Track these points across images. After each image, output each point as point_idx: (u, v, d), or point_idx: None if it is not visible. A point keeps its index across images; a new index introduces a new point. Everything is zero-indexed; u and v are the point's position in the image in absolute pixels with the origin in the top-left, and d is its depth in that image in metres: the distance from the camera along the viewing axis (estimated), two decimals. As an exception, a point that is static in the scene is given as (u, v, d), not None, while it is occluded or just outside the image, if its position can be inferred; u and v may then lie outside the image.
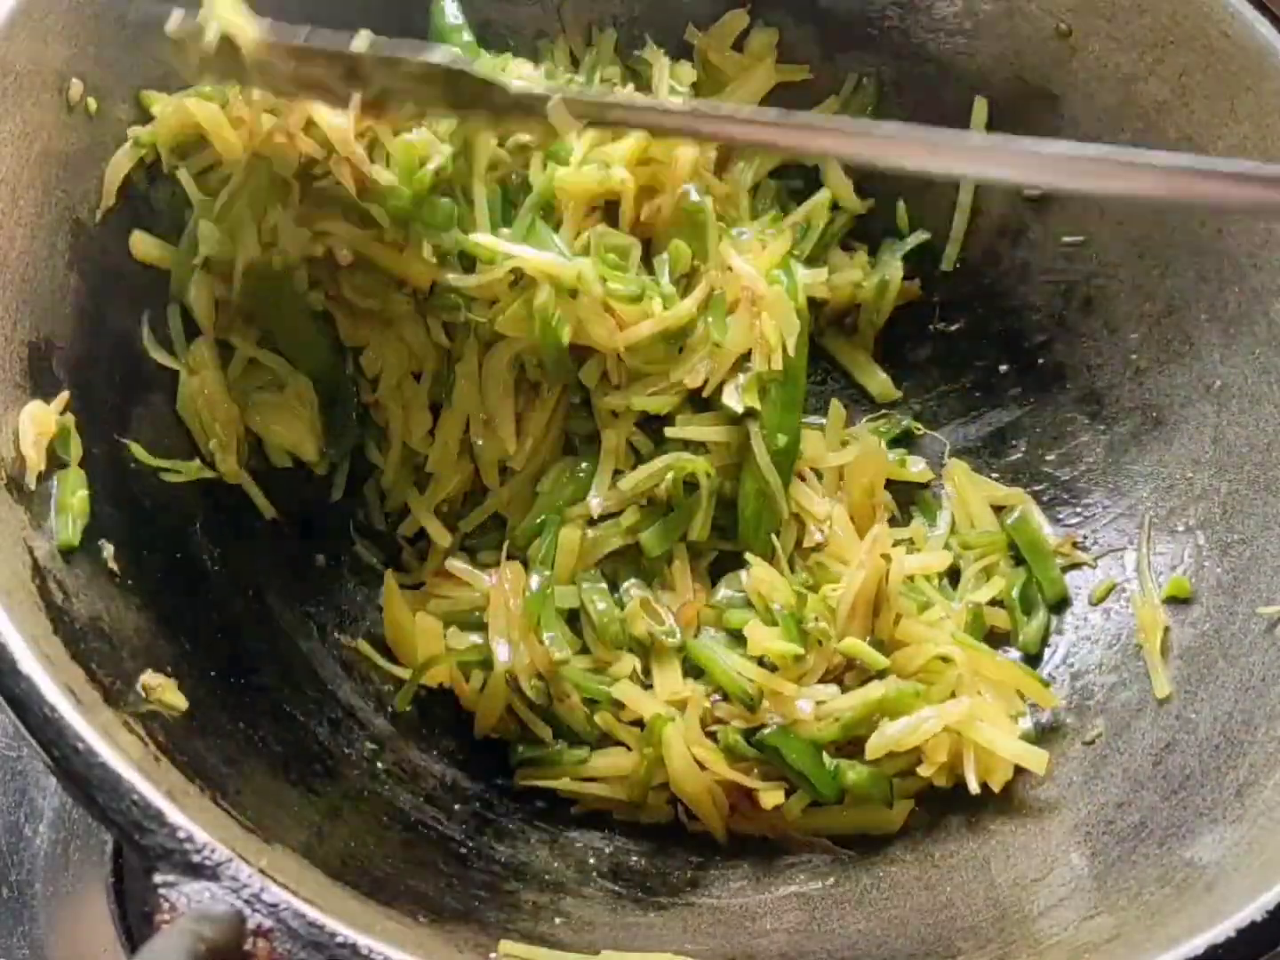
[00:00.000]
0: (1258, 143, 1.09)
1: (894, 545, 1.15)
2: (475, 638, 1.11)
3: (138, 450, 1.02)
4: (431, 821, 1.02)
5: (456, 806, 1.06)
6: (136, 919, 1.07)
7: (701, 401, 1.16)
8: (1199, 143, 1.12)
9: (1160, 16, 1.12)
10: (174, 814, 0.76)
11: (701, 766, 1.07)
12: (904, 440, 1.28)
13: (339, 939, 0.75)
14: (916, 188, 1.27)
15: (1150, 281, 1.17)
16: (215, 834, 0.76)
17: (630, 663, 1.11)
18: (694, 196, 1.16)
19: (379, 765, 1.05)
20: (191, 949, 0.68)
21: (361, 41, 1.01)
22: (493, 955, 0.87)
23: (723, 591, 1.16)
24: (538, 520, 1.16)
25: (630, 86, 1.23)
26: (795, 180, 1.29)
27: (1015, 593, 1.18)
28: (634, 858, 1.06)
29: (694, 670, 1.12)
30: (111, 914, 1.07)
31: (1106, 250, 1.20)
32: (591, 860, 1.05)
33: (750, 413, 1.13)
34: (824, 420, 1.24)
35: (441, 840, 1.01)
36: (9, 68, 0.94)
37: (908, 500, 1.25)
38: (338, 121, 1.05)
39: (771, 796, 1.06)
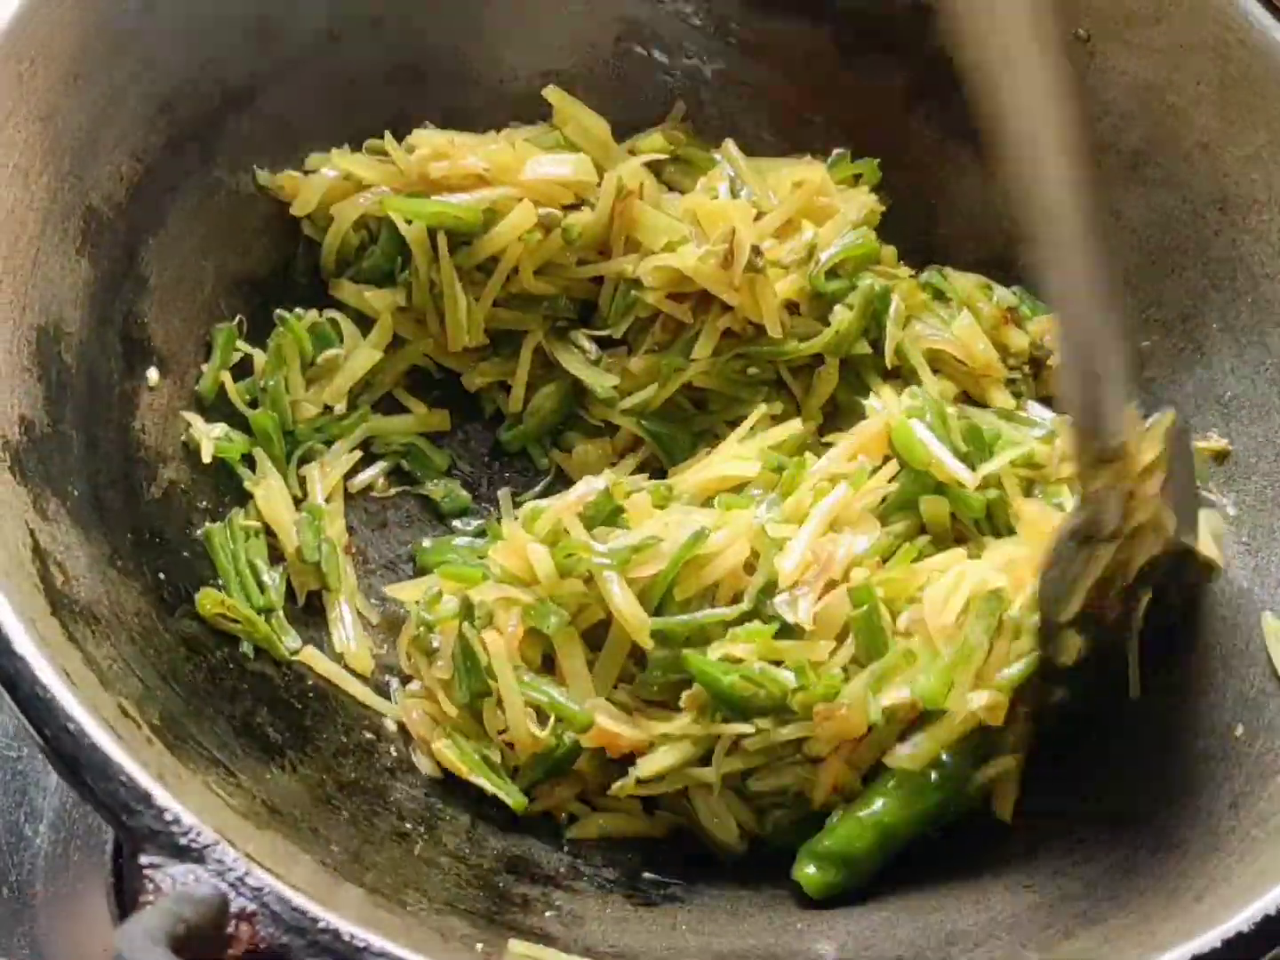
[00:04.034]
0: (1274, 152, 1.08)
1: None
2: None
3: None
4: (425, 811, 1.02)
5: (450, 800, 1.06)
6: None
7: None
8: (1214, 151, 1.12)
9: (1177, 23, 1.11)
10: (162, 796, 0.76)
11: None
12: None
13: (321, 924, 0.75)
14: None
15: (1161, 288, 1.16)
16: (205, 817, 0.77)
17: None
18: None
19: (375, 756, 1.05)
20: (170, 929, 0.68)
21: None
22: (493, 955, 0.87)
23: None
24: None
25: None
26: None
27: None
28: (626, 853, 1.05)
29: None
30: (111, 914, 1.06)
31: (1116, 255, 1.19)
32: (581, 854, 1.05)
33: None
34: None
35: (433, 838, 1.00)
36: (24, 54, 0.95)
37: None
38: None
39: None
